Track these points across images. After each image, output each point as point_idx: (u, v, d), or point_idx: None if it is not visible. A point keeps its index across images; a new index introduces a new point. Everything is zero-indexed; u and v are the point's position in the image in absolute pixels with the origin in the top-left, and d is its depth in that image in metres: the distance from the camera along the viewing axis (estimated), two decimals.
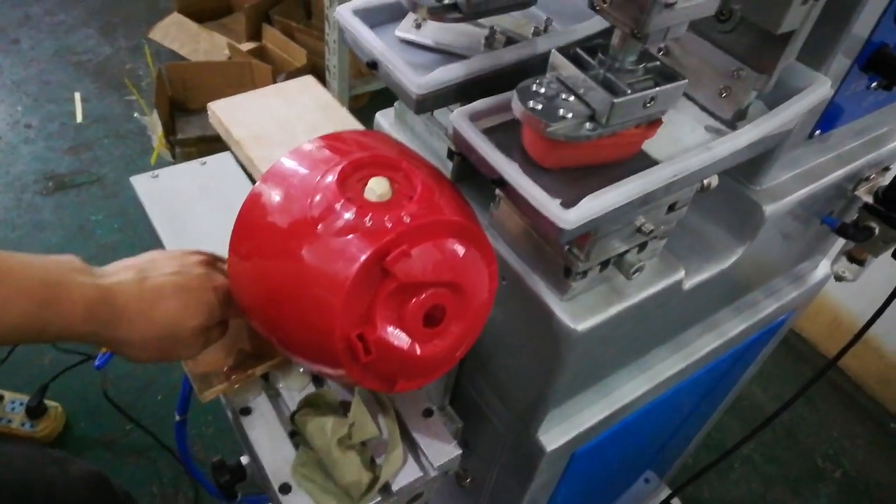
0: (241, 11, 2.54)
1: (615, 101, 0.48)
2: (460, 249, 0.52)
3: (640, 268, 0.62)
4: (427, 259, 0.50)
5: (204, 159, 0.93)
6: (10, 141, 2.26)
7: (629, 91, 0.49)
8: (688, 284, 0.71)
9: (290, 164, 0.57)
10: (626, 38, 0.49)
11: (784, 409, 1.13)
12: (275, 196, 0.55)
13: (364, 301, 0.50)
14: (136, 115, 2.33)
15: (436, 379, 0.60)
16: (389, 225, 0.49)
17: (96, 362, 0.89)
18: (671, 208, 0.63)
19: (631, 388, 0.80)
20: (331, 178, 0.53)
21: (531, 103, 0.50)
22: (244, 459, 0.81)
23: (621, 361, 0.79)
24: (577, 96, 0.52)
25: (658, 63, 0.52)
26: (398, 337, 0.51)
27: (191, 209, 0.83)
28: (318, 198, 0.52)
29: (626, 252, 0.63)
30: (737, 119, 0.61)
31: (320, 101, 0.69)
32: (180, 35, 2.57)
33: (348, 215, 0.50)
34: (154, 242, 0.83)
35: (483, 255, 0.55)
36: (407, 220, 0.49)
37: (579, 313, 0.62)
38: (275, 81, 2.25)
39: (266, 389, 0.69)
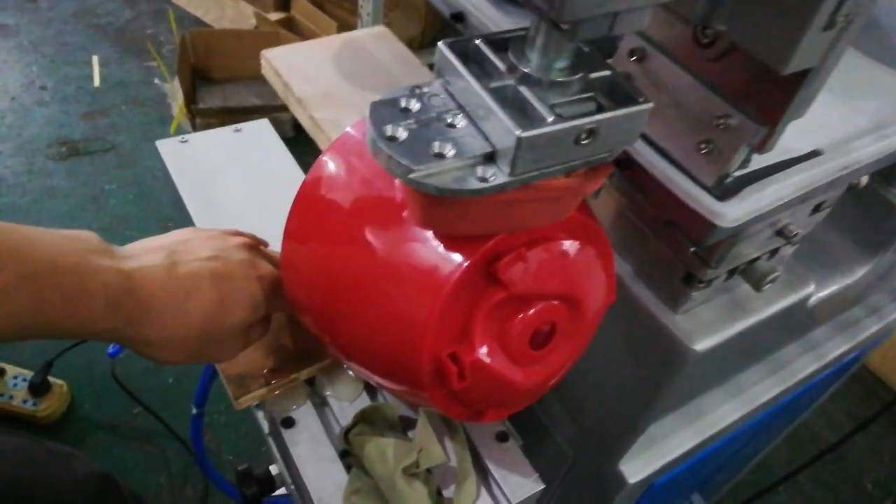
0: None
1: (522, 135, 0.29)
2: (581, 254, 0.41)
3: (775, 278, 0.51)
4: (544, 265, 0.39)
5: (239, 126, 0.82)
6: (23, 102, 2.16)
7: (550, 118, 0.30)
8: (813, 300, 0.60)
9: None
10: (544, 28, 0.30)
11: (843, 441, 1.03)
12: (349, 168, 0.44)
13: (460, 313, 0.39)
14: (156, 81, 2.22)
15: (525, 408, 0.49)
16: None
17: (109, 349, 0.79)
18: (817, 208, 0.52)
19: (723, 412, 0.69)
20: None
21: (389, 129, 0.31)
22: (273, 469, 0.71)
23: (716, 381, 0.69)
24: (471, 121, 0.33)
25: (608, 73, 0.33)
26: (499, 360, 0.40)
27: (222, 181, 0.72)
28: None
29: (758, 259, 0.52)
30: (720, 183, 0.41)
31: (397, 56, 0.58)
32: (205, 2, 2.46)
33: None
34: (174, 215, 0.73)
35: (603, 262, 0.43)
36: None
37: (697, 330, 0.51)
38: None
39: (310, 396, 0.58)
